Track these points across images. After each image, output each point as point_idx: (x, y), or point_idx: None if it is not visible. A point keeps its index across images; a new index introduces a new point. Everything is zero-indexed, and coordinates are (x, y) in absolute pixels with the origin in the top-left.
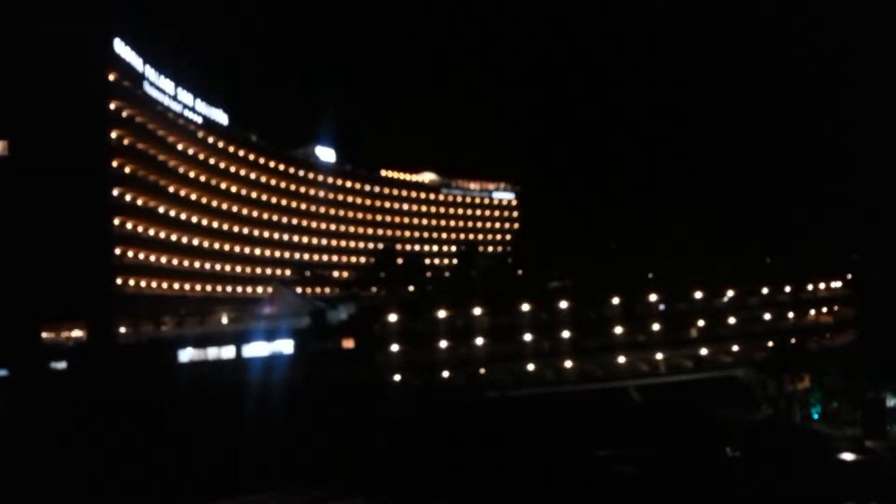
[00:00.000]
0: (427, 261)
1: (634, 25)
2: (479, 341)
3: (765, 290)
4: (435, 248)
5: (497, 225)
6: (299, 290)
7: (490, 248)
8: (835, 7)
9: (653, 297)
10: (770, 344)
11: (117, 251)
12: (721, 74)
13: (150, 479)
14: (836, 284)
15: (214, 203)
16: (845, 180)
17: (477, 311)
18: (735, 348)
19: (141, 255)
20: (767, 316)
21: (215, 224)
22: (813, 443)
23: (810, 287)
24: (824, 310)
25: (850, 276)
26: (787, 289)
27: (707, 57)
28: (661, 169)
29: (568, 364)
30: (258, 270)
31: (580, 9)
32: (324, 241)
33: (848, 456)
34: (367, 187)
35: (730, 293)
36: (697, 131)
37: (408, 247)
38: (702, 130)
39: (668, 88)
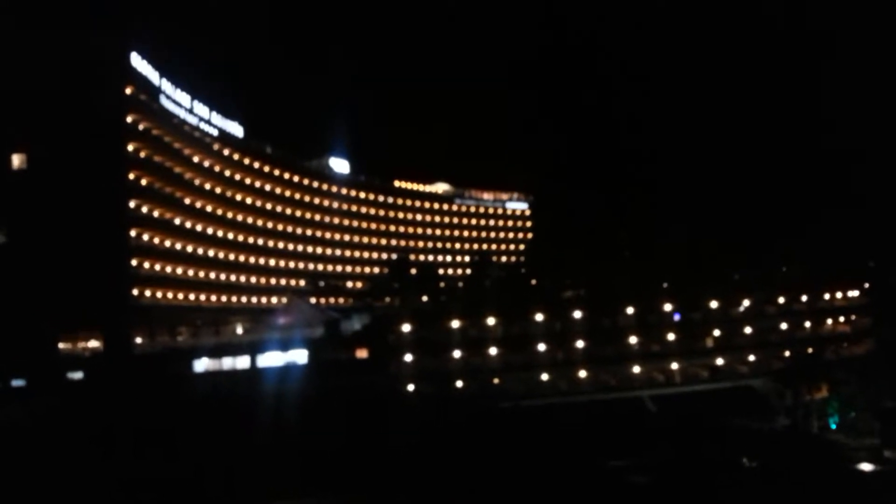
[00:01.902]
0: (441, 271)
1: (647, 31)
2: (493, 351)
3: (781, 299)
4: (448, 258)
5: (510, 235)
6: (313, 300)
7: (503, 258)
8: (841, 14)
9: (667, 307)
10: (787, 353)
11: (133, 262)
12: (737, 82)
13: (164, 489)
14: (854, 293)
15: (229, 214)
16: (862, 186)
17: (490, 320)
18: (751, 358)
19: (157, 266)
20: (784, 325)
21: (230, 235)
22: (830, 453)
23: (827, 296)
24: (841, 319)
25: (867, 285)
26: (804, 298)
27: (722, 64)
28: (675, 178)
29: (582, 374)
30: (273, 281)
31: (594, 18)
32: (338, 252)
33: (866, 466)
34: (381, 198)
35: (745, 302)
36: (712, 139)
37: (421, 257)
38: (716, 138)
39: (683, 96)
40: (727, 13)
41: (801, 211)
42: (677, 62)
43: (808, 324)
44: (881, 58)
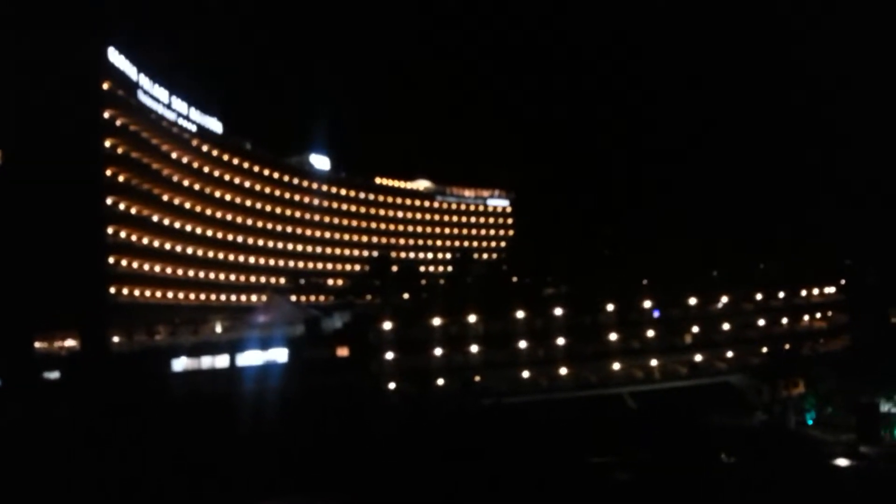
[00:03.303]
0: (422, 268)
1: (628, 29)
2: (474, 348)
3: (759, 296)
4: (430, 255)
5: (491, 232)
6: (294, 298)
7: (484, 255)
8: (835, 13)
9: (647, 304)
10: (764, 350)
11: (111, 260)
12: (716, 81)
13: (144, 490)
14: (830, 290)
15: (208, 211)
16: (839, 185)
17: (472, 318)
18: (729, 354)
19: (134, 264)
20: (761, 322)
21: (209, 232)
22: (807, 448)
23: (804, 293)
24: (818, 315)
25: (843, 282)
26: (781, 294)
27: (700, 64)
28: (655, 175)
29: (563, 371)
30: (252, 279)
31: (575, 15)
32: (318, 249)
33: (843, 461)
34: (362, 195)
35: (724, 299)
36: (690, 137)
37: (402, 254)
38: (695, 137)
39: (662, 94)
40: (708, 10)
41: (779, 209)
42: (658, 63)
43: (785, 320)
44: (865, 57)
